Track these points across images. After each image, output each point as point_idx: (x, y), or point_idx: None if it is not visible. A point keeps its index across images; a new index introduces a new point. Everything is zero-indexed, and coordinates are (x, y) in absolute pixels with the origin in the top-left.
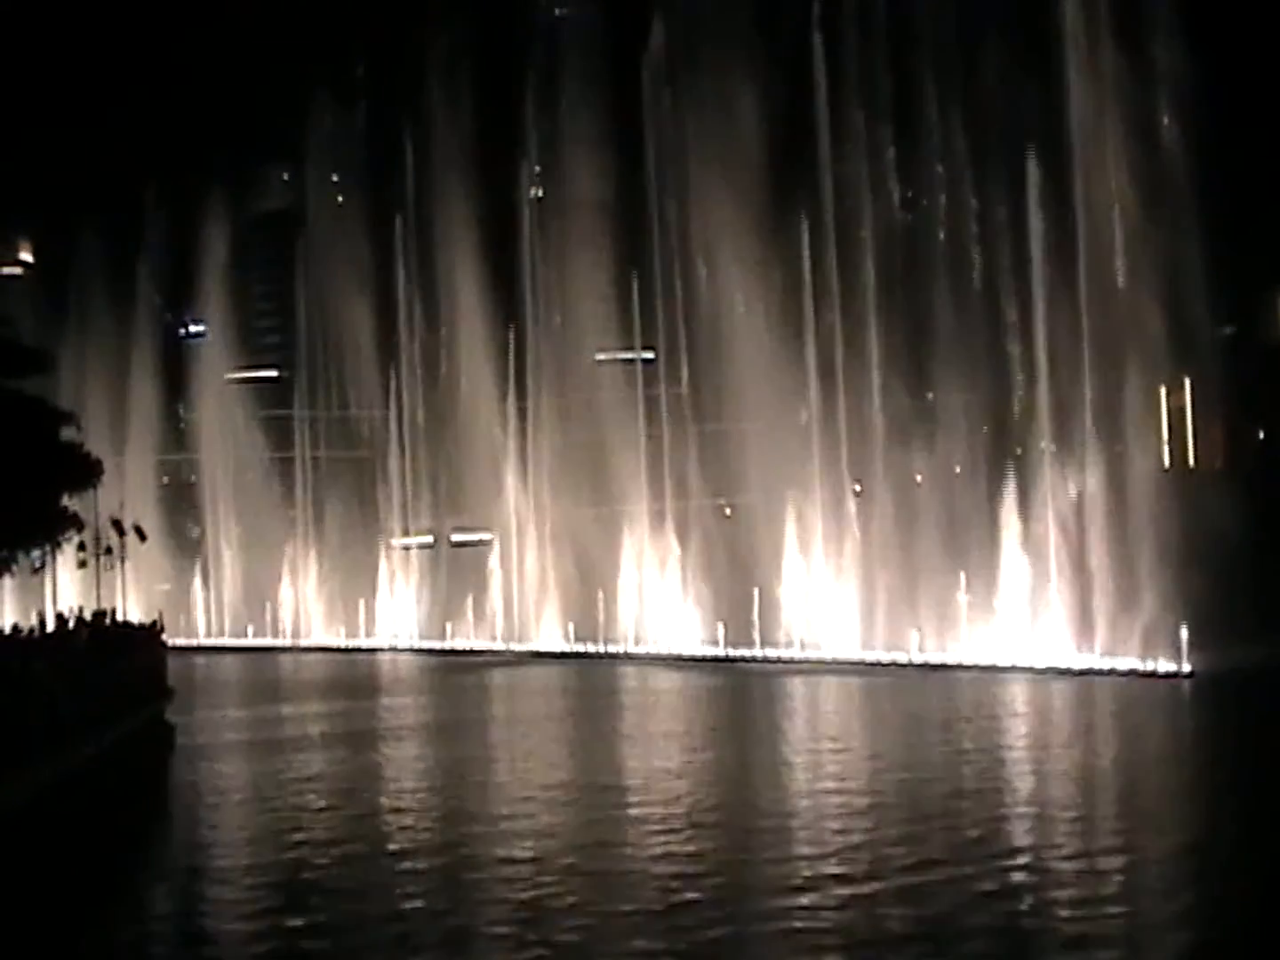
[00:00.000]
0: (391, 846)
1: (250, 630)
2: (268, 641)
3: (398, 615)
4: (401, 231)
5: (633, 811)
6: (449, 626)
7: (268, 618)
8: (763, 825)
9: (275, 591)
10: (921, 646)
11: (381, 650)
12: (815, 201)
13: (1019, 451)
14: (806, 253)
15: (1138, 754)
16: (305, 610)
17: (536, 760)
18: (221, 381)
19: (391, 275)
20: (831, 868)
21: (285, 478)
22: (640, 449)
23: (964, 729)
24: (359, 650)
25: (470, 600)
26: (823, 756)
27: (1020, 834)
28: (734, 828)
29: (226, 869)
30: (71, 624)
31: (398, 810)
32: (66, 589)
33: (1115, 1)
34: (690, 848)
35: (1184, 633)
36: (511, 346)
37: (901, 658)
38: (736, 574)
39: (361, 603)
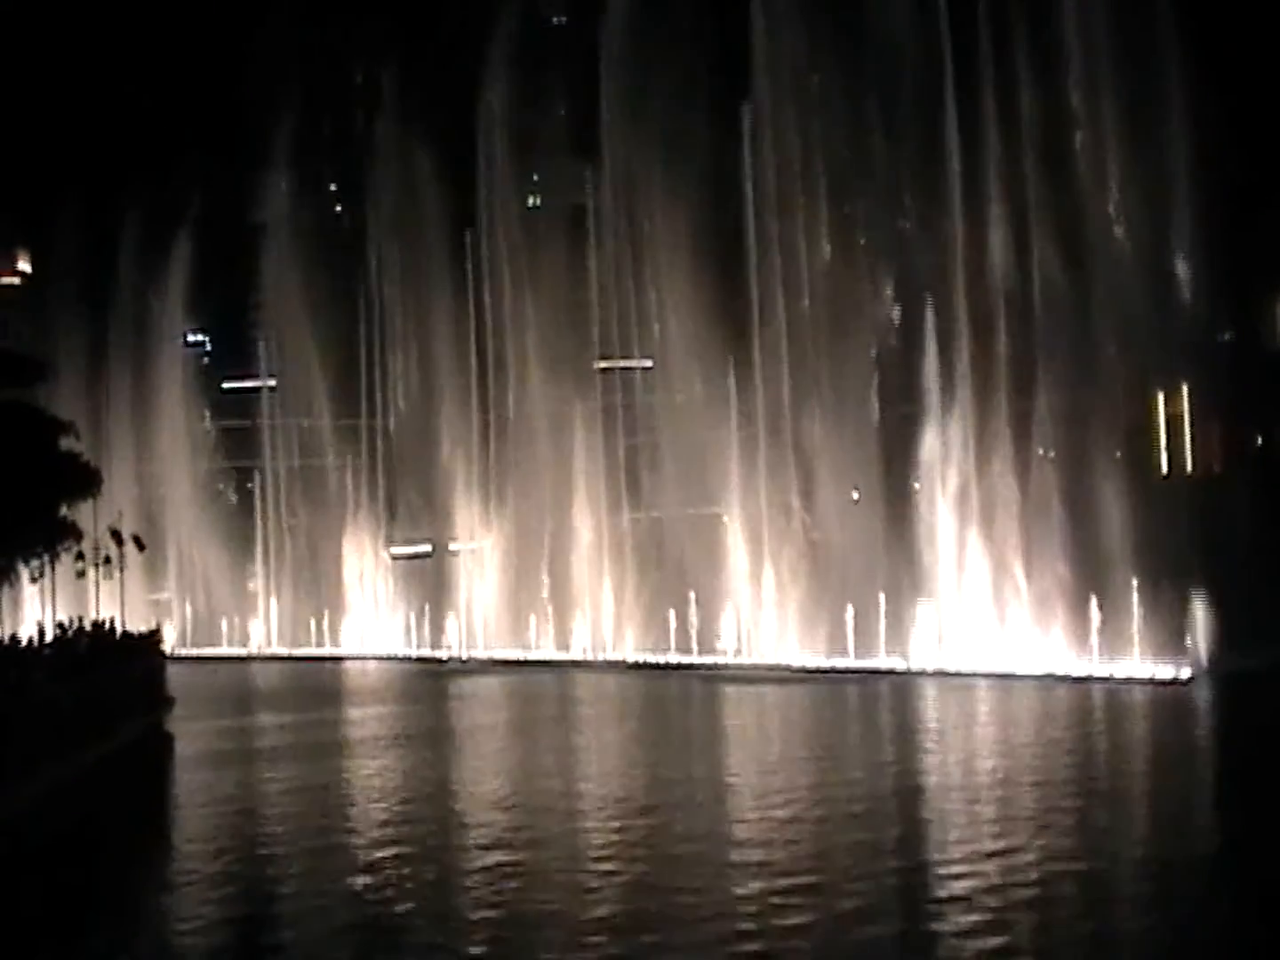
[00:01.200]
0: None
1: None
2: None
3: (381, 624)
4: (392, 240)
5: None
6: (445, 635)
7: (259, 627)
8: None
9: (262, 600)
10: (916, 653)
11: (363, 659)
12: (809, 205)
13: (1016, 459)
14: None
15: (1126, 762)
16: (292, 619)
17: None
18: (216, 390)
19: (384, 284)
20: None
21: (265, 487)
22: (592, 461)
23: (946, 737)
24: (337, 659)
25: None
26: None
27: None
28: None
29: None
30: (71, 634)
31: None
32: (65, 598)
33: (1115, 5)
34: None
35: (1183, 638)
36: (516, 355)
37: (900, 665)
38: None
39: (353, 613)
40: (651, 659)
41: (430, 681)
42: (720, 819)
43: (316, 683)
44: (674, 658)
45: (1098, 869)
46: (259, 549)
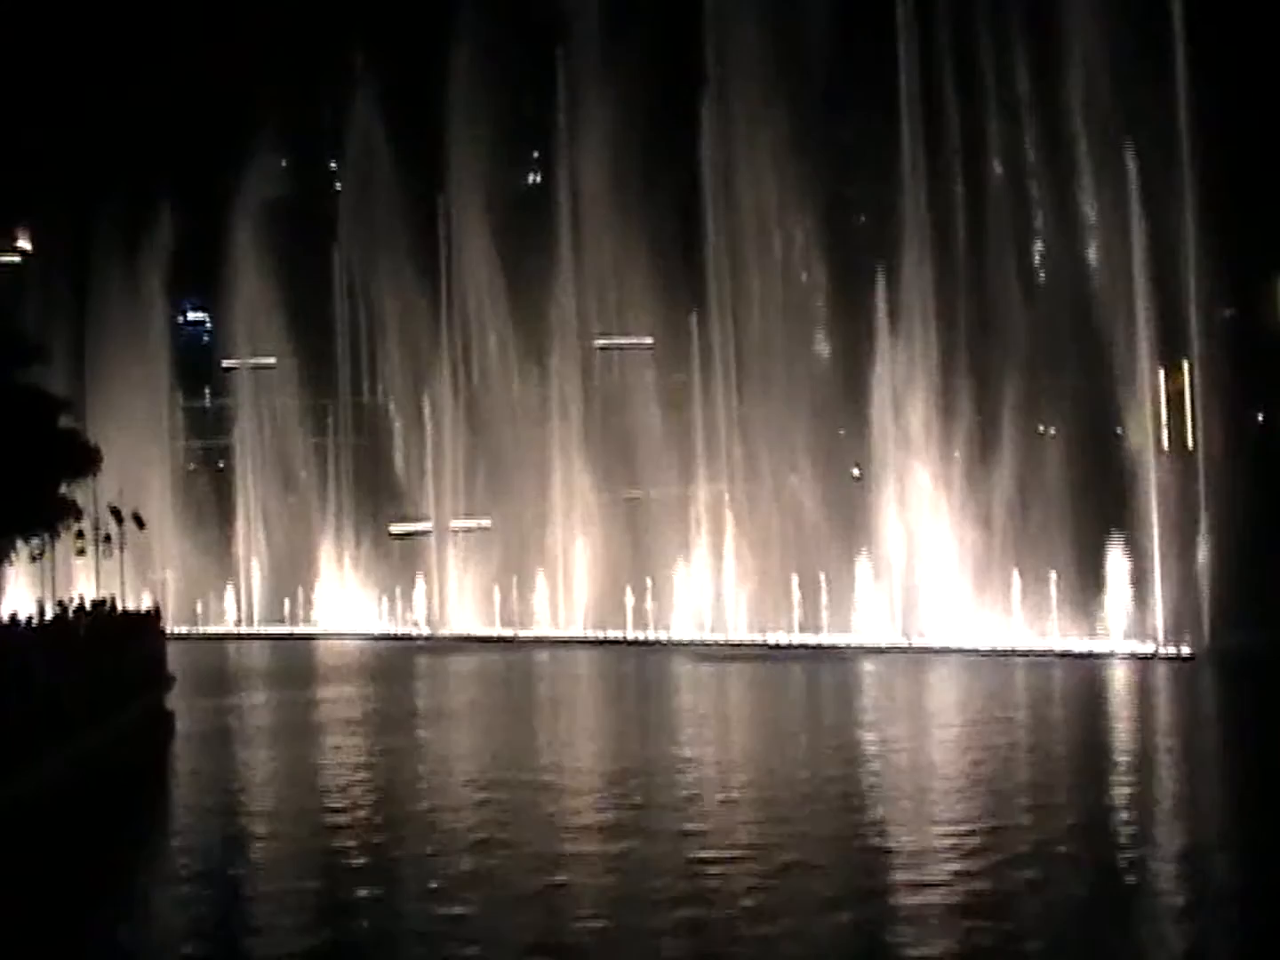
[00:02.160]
0: None
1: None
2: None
3: (359, 602)
4: (400, 219)
5: None
6: (418, 612)
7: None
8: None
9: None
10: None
11: (340, 637)
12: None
13: (1016, 435)
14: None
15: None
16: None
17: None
18: (218, 369)
19: (389, 262)
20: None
21: (245, 465)
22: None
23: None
24: (313, 637)
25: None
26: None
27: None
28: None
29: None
30: (71, 613)
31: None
32: (63, 577)
33: None
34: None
35: (1184, 615)
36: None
37: (918, 641)
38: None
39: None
40: (616, 635)
41: (406, 658)
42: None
43: (300, 661)
44: (639, 634)
45: None
46: (239, 527)
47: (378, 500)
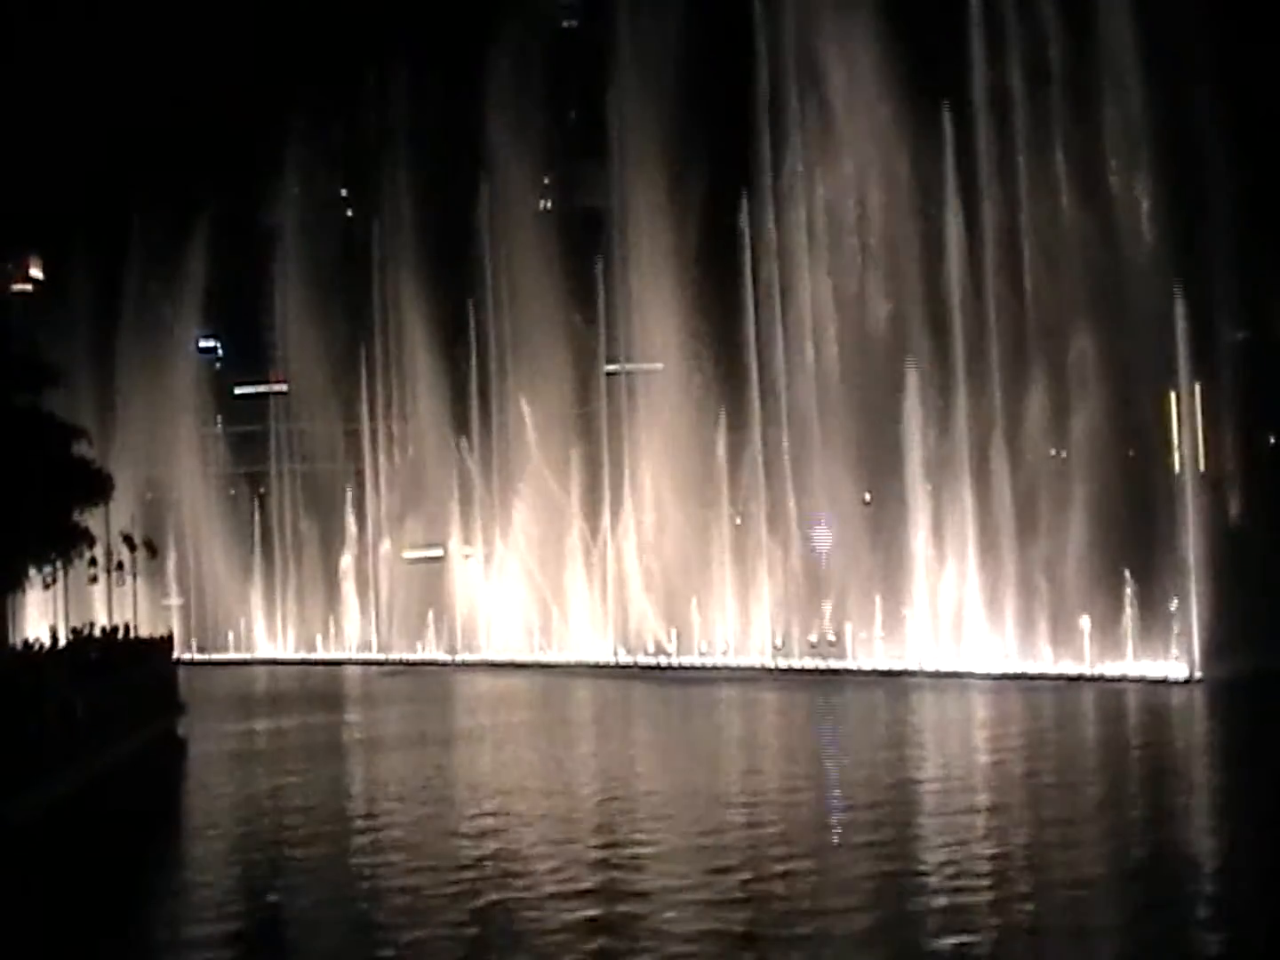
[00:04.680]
0: None
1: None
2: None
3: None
4: (392, 244)
5: None
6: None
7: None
8: None
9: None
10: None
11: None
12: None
13: (1029, 457)
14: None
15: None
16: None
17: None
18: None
19: (386, 288)
20: None
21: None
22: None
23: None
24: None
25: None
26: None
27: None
28: None
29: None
30: (84, 639)
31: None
32: (76, 604)
33: (1139, 9)
34: None
35: (1194, 638)
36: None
37: (915, 666)
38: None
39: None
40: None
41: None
42: None
43: (258, 686)
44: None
45: None
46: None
47: (324, 527)
